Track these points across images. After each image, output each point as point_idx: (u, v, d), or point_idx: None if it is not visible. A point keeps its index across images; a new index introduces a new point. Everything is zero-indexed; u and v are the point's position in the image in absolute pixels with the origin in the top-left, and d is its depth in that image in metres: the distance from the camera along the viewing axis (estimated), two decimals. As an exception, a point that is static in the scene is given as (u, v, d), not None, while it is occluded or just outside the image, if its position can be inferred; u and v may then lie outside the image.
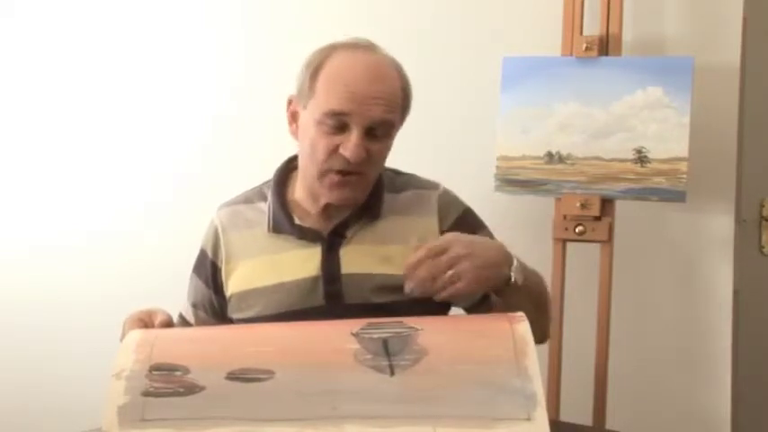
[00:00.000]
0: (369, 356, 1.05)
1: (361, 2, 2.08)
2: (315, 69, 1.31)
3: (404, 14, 2.05)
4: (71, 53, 2.23)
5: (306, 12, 2.09)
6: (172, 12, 2.19)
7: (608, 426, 1.78)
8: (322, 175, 1.31)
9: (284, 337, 1.11)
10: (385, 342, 1.06)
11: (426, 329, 1.11)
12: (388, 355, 1.05)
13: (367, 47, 1.33)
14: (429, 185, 1.44)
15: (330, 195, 1.33)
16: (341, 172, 1.30)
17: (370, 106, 1.27)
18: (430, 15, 2.04)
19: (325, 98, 1.28)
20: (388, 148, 1.34)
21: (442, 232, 1.37)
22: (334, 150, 1.28)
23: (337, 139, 1.28)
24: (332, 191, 1.32)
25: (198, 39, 2.19)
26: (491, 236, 1.43)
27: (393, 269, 1.33)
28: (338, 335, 1.09)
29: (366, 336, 1.08)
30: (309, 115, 1.31)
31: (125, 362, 1.05)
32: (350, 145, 1.27)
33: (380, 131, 1.29)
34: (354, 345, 1.06)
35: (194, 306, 1.45)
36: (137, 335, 1.11)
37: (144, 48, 2.21)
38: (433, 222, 1.39)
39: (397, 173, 1.45)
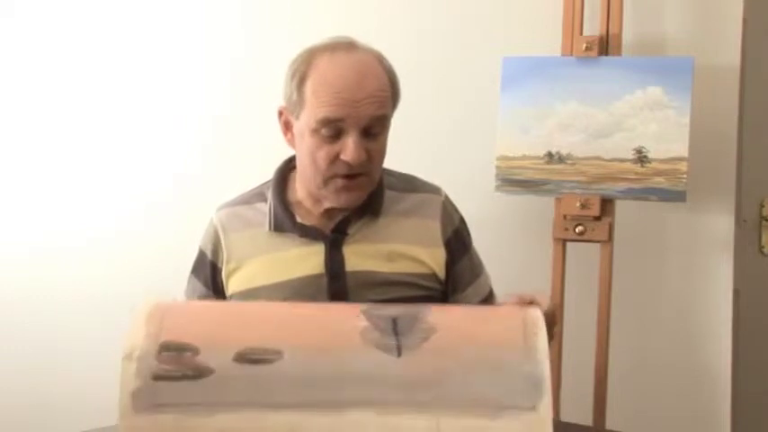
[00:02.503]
0: (377, 334, 1.05)
1: (361, 2, 2.08)
2: (300, 79, 1.31)
3: (404, 14, 2.05)
4: (71, 53, 2.23)
5: (306, 12, 2.09)
6: (172, 12, 2.19)
7: (608, 426, 1.78)
8: (326, 182, 1.32)
9: (293, 315, 1.12)
10: (394, 320, 1.06)
11: (436, 309, 1.12)
12: (397, 334, 1.05)
13: (346, 46, 1.33)
14: (433, 190, 1.45)
15: (338, 199, 1.33)
16: (346, 176, 1.30)
17: (363, 107, 1.27)
18: (430, 15, 2.04)
19: (317, 107, 1.28)
20: (386, 142, 1.35)
21: (443, 239, 1.40)
22: (334, 158, 1.29)
23: (336, 146, 1.29)
24: (339, 195, 1.33)
25: (198, 39, 2.19)
26: (477, 254, 1.48)
27: (396, 267, 1.35)
28: (347, 312, 1.09)
29: (375, 312, 1.08)
30: (304, 125, 1.31)
31: (135, 338, 1.05)
32: (349, 149, 1.27)
33: (376, 128, 1.30)
34: (363, 322, 1.06)
35: None
36: (146, 308, 1.11)
37: (144, 48, 2.21)
38: (436, 226, 1.40)
39: (395, 173, 1.45)
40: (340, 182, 1.31)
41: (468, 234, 1.47)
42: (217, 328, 1.09)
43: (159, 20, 2.20)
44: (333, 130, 1.28)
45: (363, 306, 1.09)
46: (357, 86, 1.27)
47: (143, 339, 1.05)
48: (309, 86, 1.29)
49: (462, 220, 1.46)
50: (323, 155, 1.29)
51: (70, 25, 2.23)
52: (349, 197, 1.33)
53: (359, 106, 1.27)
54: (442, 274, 1.39)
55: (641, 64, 1.80)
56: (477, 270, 1.46)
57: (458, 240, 1.42)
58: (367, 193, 1.35)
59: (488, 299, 1.47)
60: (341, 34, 1.36)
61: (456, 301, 1.44)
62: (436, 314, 1.09)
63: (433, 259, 1.38)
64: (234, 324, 1.12)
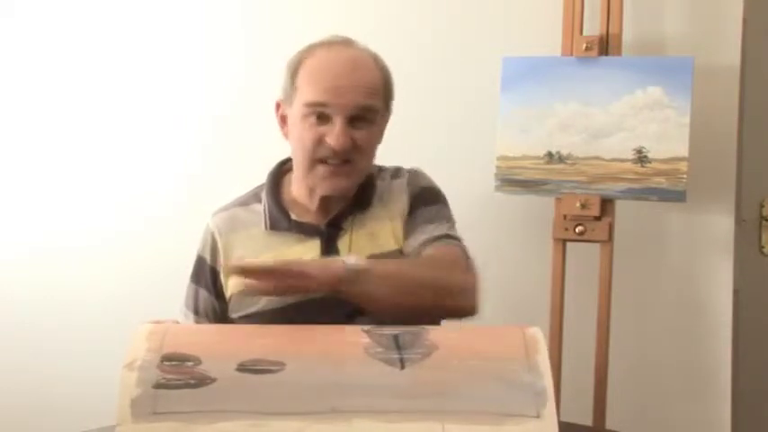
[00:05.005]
0: (380, 350, 1.05)
1: (361, 2, 2.09)
2: (295, 69, 1.36)
3: (404, 14, 2.05)
4: (71, 53, 2.23)
5: (306, 12, 2.09)
6: (172, 12, 2.19)
7: (608, 426, 1.78)
8: (312, 166, 1.35)
9: (296, 332, 1.12)
10: (396, 337, 1.07)
11: (435, 329, 1.13)
12: (399, 348, 1.06)
13: (343, 43, 1.38)
14: (404, 172, 1.47)
15: (323, 186, 1.36)
16: (330, 163, 1.33)
17: (349, 95, 1.31)
18: (430, 15, 2.04)
19: (305, 92, 1.33)
20: (375, 136, 1.37)
21: (409, 207, 1.40)
22: (320, 140, 1.32)
23: (322, 129, 1.32)
24: (324, 181, 1.35)
25: (198, 39, 2.19)
26: (448, 212, 1.44)
27: (384, 249, 1.37)
28: (350, 331, 1.10)
29: (377, 332, 1.09)
30: (295, 112, 1.35)
31: (137, 351, 1.05)
32: (334, 134, 1.31)
33: (364, 118, 1.33)
34: (365, 339, 1.07)
35: (196, 314, 1.45)
36: (147, 326, 1.11)
37: (144, 48, 2.21)
38: (405, 200, 1.42)
39: (384, 167, 1.48)
40: (323, 168, 1.34)
41: (429, 196, 1.44)
42: (219, 342, 1.10)
43: (159, 20, 2.20)
44: (319, 115, 1.32)
45: (365, 327, 1.11)
46: (345, 75, 1.32)
47: (144, 352, 1.05)
48: (301, 74, 1.35)
49: (425, 188, 1.44)
50: (309, 137, 1.33)
51: (70, 25, 2.23)
52: (333, 183, 1.35)
53: (345, 93, 1.31)
54: None
55: (641, 64, 1.80)
56: (416, 224, 1.40)
57: (413, 203, 1.42)
58: (353, 182, 1.37)
59: (435, 240, 1.38)
60: (341, 34, 1.38)
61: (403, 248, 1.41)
62: (436, 333, 1.11)
63: (402, 233, 1.40)
64: (236, 338, 1.12)
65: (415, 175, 1.46)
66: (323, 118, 1.32)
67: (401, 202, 1.42)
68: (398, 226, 1.40)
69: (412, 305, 1.23)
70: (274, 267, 1.16)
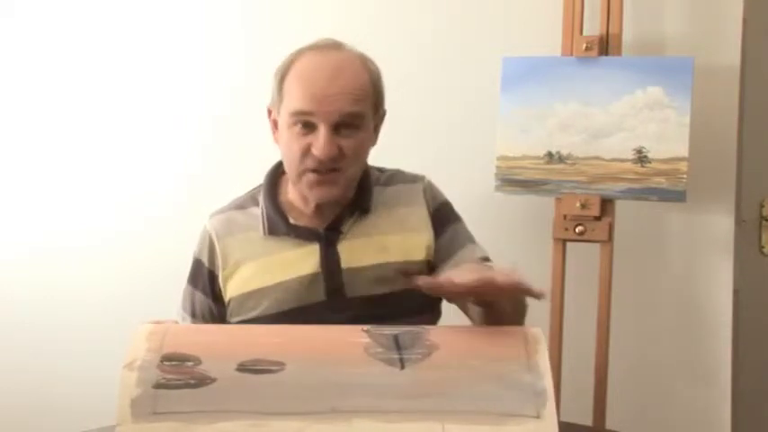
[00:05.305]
0: (380, 350, 1.06)
1: (361, 2, 2.08)
2: (282, 75, 1.34)
3: (404, 15, 2.05)
4: (71, 53, 2.23)
5: (306, 12, 2.09)
6: (172, 12, 2.19)
7: (608, 426, 1.78)
8: (300, 175, 1.33)
9: (296, 332, 1.13)
10: (396, 337, 1.07)
11: (436, 329, 1.13)
12: (399, 348, 1.06)
13: (332, 46, 1.35)
14: (415, 179, 1.46)
15: (311, 194, 1.34)
16: (317, 171, 1.31)
17: (333, 102, 1.28)
18: (430, 15, 2.04)
19: (290, 100, 1.31)
20: (363, 141, 1.35)
21: (431, 221, 1.40)
22: (306, 151, 1.30)
23: (308, 139, 1.30)
24: (312, 190, 1.33)
25: (198, 39, 2.19)
26: (465, 229, 1.45)
27: (391, 258, 1.36)
28: (350, 331, 1.10)
29: (377, 332, 1.09)
30: (282, 120, 1.34)
31: (137, 351, 1.05)
32: (318, 143, 1.28)
33: (350, 125, 1.31)
34: (365, 339, 1.07)
35: (193, 316, 1.44)
36: (147, 326, 1.12)
37: (144, 48, 2.21)
38: (423, 211, 1.41)
39: (381, 169, 1.47)
40: (311, 176, 1.32)
41: (452, 213, 1.46)
42: (219, 342, 1.10)
43: (159, 20, 2.20)
44: (305, 123, 1.29)
45: (365, 326, 1.10)
46: (329, 81, 1.29)
47: (144, 352, 1.05)
48: (287, 81, 1.33)
49: (445, 203, 1.46)
50: (296, 147, 1.31)
51: (70, 25, 2.23)
52: (321, 192, 1.33)
53: (330, 101, 1.28)
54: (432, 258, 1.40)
55: (641, 64, 1.80)
56: (461, 241, 1.43)
57: (439, 217, 1.42)
58: (343, 189, 1.35)
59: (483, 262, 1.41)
60: (338, 35, 1.37)
61: (442, 271, 1.41)
62: (437, 333, 1.11)
63: (424, 244, 1.39)
64: (236, 338, 1.12)
65: (430, 186, 1.46)
66: (308, 126, 1.29)
67: (416, 214, 1.41)
68: (414, 237, 1.38)
69: (513, 309, 1.23)
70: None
